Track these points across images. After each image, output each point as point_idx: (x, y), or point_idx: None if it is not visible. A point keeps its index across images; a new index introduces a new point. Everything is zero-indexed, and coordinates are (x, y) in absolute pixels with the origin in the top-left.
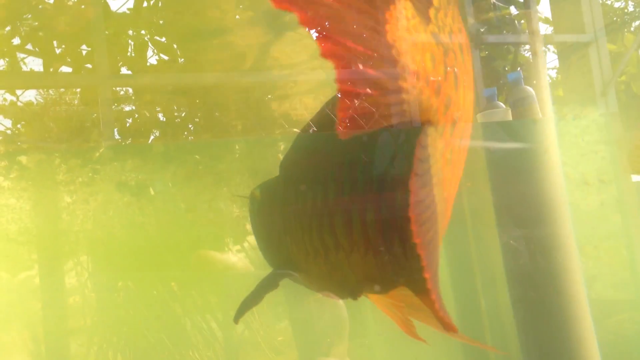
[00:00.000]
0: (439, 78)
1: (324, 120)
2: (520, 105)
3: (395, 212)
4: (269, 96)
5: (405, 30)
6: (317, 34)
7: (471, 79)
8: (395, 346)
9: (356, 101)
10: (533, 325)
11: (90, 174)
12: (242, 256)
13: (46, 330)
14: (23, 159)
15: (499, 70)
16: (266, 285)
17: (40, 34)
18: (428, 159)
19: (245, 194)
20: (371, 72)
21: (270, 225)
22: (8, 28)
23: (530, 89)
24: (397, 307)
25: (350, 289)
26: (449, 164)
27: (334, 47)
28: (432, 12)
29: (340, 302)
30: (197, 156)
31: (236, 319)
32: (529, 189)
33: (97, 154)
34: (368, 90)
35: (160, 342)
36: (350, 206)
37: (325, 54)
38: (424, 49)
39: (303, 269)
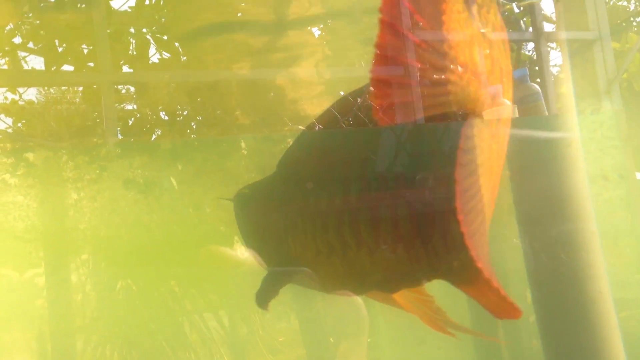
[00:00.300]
0: (486, 71)
1: (329, 121)
2: (527, 102)
3: (436, 204)
4: (272, 94)
5: (457, 23)
6: (385, 22)
7: (511, 73)
8: (404, 345)
9: (392, 92)
10: (555, 324)
11: (97, 171)
12: (252, 251)
13: (52, 329)
14: (30, 156)
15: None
16: (280, 278)
17: (42, 32)
18: (473, 150)
19: (226, 197)
20: (417, 64)
21: (266, 226)
22: (10, 26)
23: (536, 86)
24: (423, 301)
25: (375, 285)
26: (495, 154)
27: (393, 38)
28: (475, 8)
29: (359, 300)
30: (204, 153)
31: (264, 307)
32: (551, 184)
33: (105, 151)
34: (409, 81)
35: (166, 341)
36: (378, 202)
37: (380, 45)
38: (472, 42)
39: (310, 268)
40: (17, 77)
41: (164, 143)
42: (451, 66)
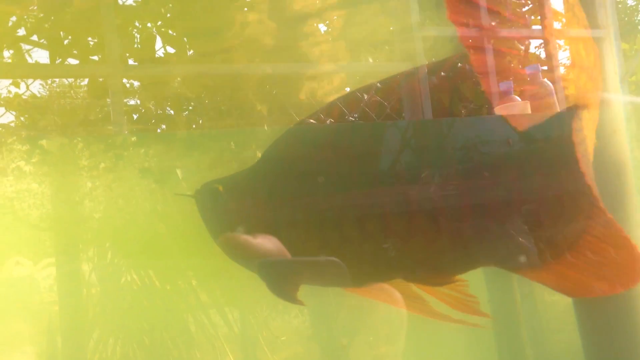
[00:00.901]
0: (591, 65)
1: (333, 113)
2: (538, 98)
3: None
4: (274, 91)
5: (562, 23)
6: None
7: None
8: (420, 341)
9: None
10: (596, 319)
11: (113, 160)
12: (276, 240)
13: (65, 319)
14: (45, 143)
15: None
16: (292, 269)
17: (46, 25)
18: (584, 141)
19: (184, 193)
20: (522, 71)
21: (253, 221)
22: (13, 18)
23: (549, 82)
24: (455, 286)
25: (404, 275)
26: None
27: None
28: (570, 6)
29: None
30: (221, 143)
31: (295, 301)
32: (595, 172)
33: (120, 139)
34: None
35: (171, 339)
36: (413, 196)
37: (476, 68)
38: (578, 38)
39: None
40: (25, 70)
41: (180, 132)
42: (559, 66)
